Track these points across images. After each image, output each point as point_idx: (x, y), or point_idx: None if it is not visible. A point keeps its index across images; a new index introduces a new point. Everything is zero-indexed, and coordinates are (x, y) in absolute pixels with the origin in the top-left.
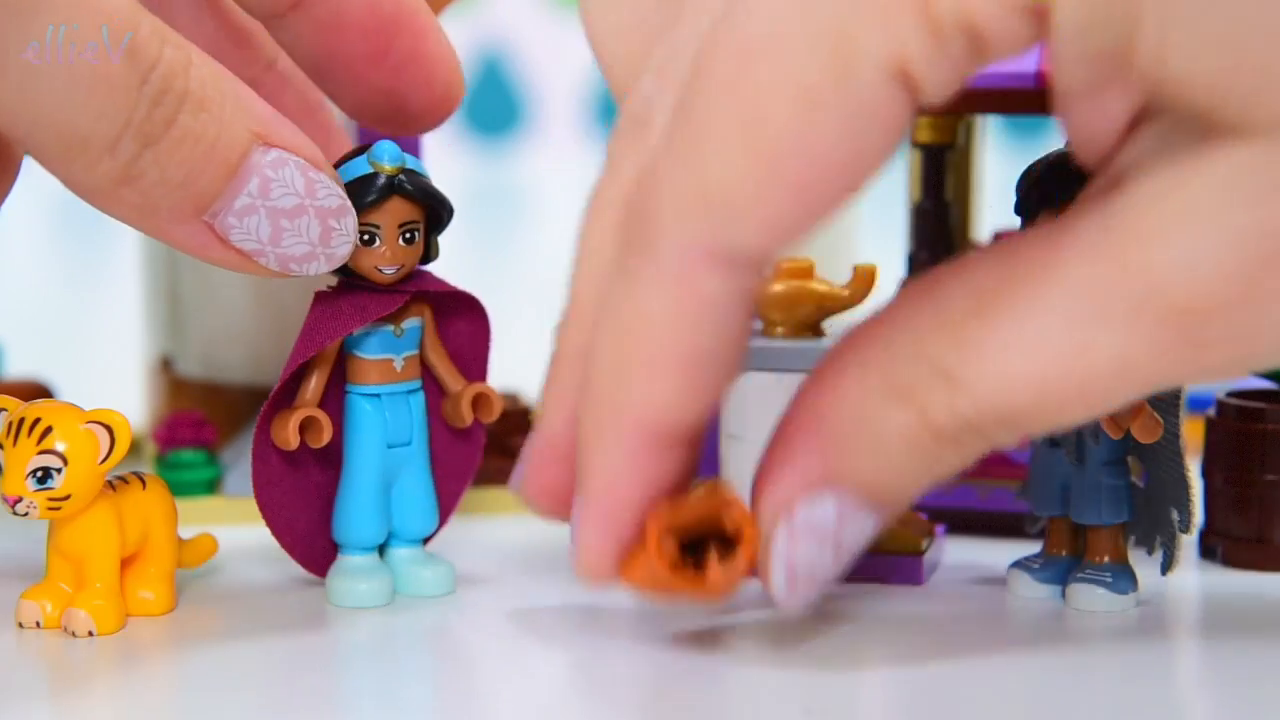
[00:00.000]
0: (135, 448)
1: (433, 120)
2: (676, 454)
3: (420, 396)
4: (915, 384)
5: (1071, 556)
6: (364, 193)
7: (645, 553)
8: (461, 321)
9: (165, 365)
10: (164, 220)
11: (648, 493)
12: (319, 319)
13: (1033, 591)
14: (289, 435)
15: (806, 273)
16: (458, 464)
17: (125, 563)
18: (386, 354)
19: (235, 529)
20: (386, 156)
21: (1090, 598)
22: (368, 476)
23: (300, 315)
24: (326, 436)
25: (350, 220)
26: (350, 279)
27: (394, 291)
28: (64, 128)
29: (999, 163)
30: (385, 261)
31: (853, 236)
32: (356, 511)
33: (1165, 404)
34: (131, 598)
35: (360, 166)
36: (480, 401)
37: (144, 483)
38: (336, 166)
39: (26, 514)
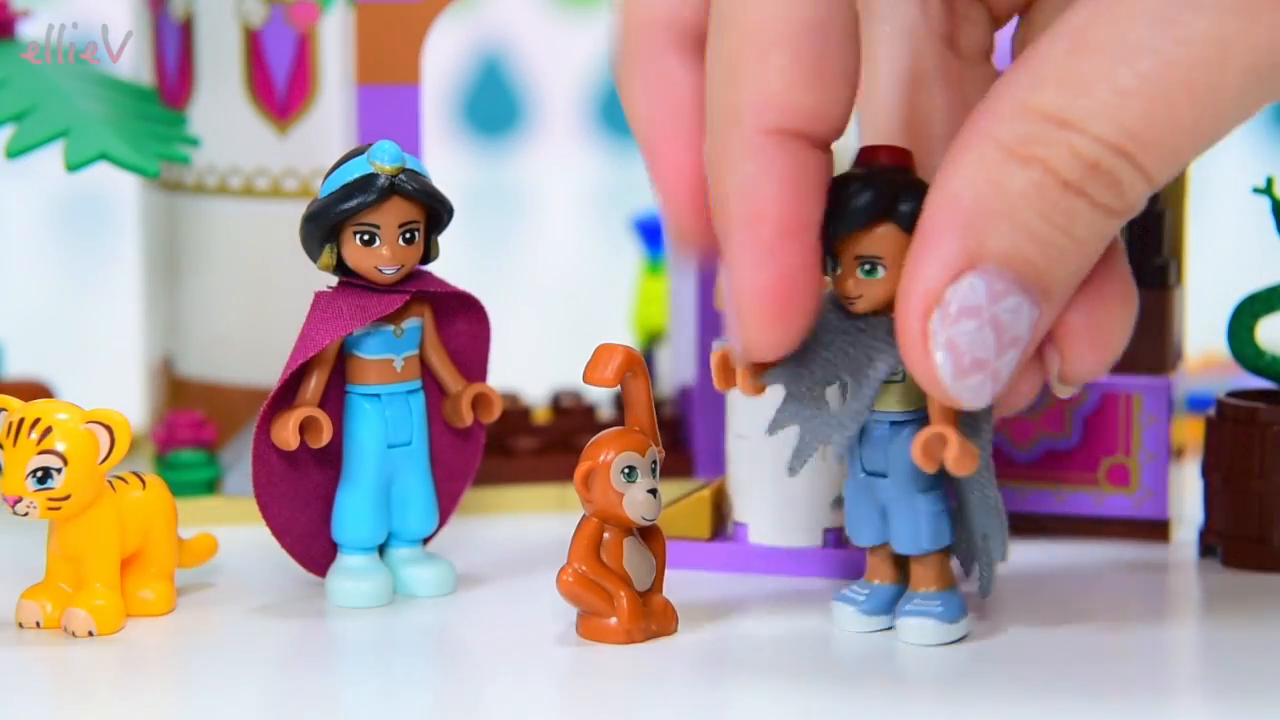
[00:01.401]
0: (135, 448)
1: None
2: (808, 153)
3: (420, 396)
4: (1030, 138)
5: (896, 585)
6: (364, 193)
7: None
8: (461, 321)
9: (165, 365)
10: None
11: (791, 197)
12: (319, 319)
13: (859, 625)
14: (289, 435)
15: None
16: (458, 464)
17: (125, 563)
18: (386, 354)
19: (235, 529)
20: (386, 156)
21: (921, 630)
22: (367, 476)
23: (300, 315)
24: (326, 436)
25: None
26: (350, 279)
27: (394, 291)
28: None
29: None
30: (385, 261)
31: None
32: (356, 511)
33: (975, 433)
34: (131, 598)
35: (360, 166)
36: (480, 401)
37: (144, 483)
38: (336, 166)
39: (26, 514)
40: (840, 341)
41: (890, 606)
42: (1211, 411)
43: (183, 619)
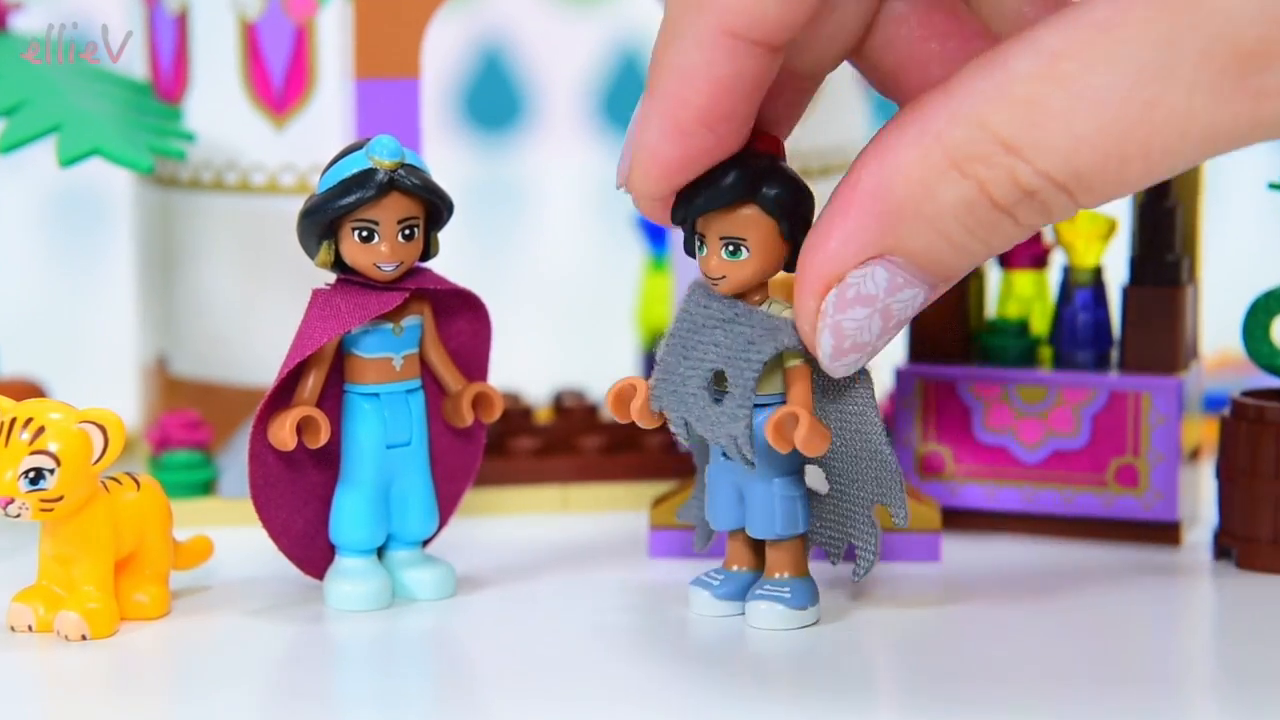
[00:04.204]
0: (129, 448)
1: None
2: (755, 59)
3: (420, 396)
4: (974, 154)
5: (754, 571)
6: (362, 188)
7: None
8: (462, 320)
9: (160, 365)
10: None
11: (718, 94)
12: (316, 317)
13: (713, 609)
14: (286, 435)
15: None
16: (458, 464)
17: (119, 565)
18: (385, 353)
19: (231, 531)
20: (385, 151)
21: (768, 616)
22: (366, 477)
23: (297, 313)
24: (324, 436)
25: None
26: (348, 276)
27: (393, 289)
28: None
29: None
30: (384, 258)
31: None
32: (354, 513)
33: (862, 404)
34: (125, 601)
35: (359, 161)
36: (481, 401)
37: (138, 484)
38: (334, 161)
39: (19, 515)
40: (712, 335)
41: (743, 592)
42: (1226, 411)
43: (177, 623)
